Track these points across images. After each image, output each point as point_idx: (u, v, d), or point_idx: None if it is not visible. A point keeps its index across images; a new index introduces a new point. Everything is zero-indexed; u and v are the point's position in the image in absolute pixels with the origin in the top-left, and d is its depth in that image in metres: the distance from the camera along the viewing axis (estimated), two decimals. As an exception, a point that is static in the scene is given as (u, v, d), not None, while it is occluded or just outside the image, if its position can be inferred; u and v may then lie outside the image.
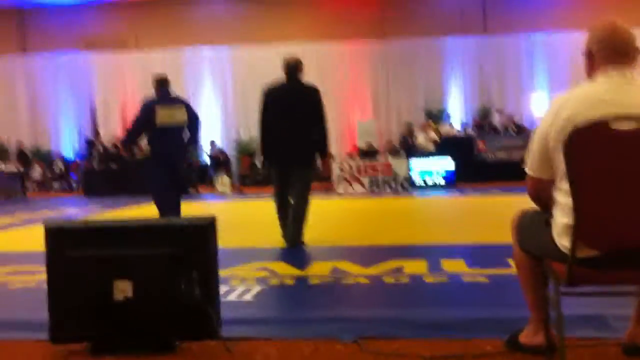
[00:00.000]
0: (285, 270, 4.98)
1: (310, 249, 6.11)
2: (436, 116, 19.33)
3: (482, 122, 19.07)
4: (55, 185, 19.29)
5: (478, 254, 5.55)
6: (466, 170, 15.98)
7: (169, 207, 7.26)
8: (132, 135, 7.67)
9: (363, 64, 20.28)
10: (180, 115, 7.35)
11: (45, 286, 3.02)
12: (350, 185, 15.52)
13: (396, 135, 19.59)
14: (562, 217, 2.37)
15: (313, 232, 6.52)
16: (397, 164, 15.72)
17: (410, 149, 17.54)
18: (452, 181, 15.59)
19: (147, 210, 8.85)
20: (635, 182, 2.23)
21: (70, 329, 2.98)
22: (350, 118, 20.24)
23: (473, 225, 8.05)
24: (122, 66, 20.83)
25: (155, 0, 19.93)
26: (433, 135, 17.38)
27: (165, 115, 7.21)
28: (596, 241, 2.29)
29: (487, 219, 8.58)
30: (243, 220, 9.39)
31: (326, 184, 15.34)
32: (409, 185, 15.38)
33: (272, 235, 6.56)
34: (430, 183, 15.66)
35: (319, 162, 6.54)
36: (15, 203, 14.53)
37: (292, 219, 6.16)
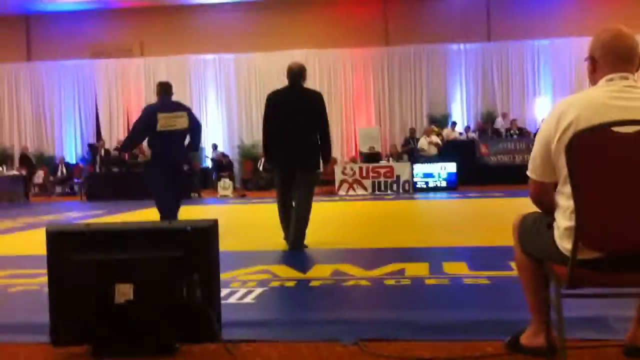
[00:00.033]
0: (287, 273, 4.99)
1: (311, 252, 6.11)
2: (440, 121, 19.35)
3: (485, 126, 19.08)
4: (58, 189, 19.33)
5: (480, 257, 5.54)
6: (468, 174, 15.99)
7: (169, 208, 7.30)
8: (132, 139, 7.71)
9: (367, 71, 20.33)
10: (182, 122, 7.40)
11: (46, 289, 3.03)
12: (353, 188, 15.54)
13: (400, 140, 19.61)
14: (563, 220, 2.38)
15: (315, 234, 6.53)
16: (400, 168, 15.74)
17: (413, 153, 17.56)
18: (454, 184, 15.59)
19: (149, 214, 8.86)
20: (636, 185, 2.23)
21: (71, 331, 2.98)
22: (354, 124, 20.28)
23: (475, 228, 8.05)
24: (127, 73, 20.90)
25: (160, 8, 20.00)
26: (436, 139, 17.40)
27: (166, 122, 7.25)
28: (598, 243, 2.29)
29: (489, 221, 8.58)
30: (245, 223, 9.40)
31: (329, 187, 15.37)
32: (411, 188, 15.39)
33: (274, 238, 6.57)
34: (432, 186, 15.66)
35: (322, 166, 6.57)
36: (17, 207, 14.55)
37: (294, 221, 6.18)
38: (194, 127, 7.63)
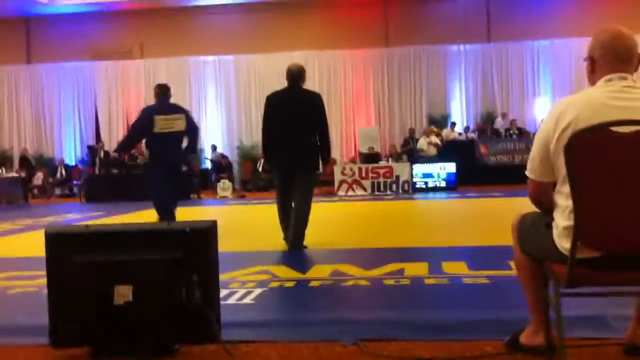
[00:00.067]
0: (286, 273, 4.99)
1: (311, 252, 6.12)
2: (439, 122, 19.36)
3: (484, 126, 19.09)
4: (57, 191, 19.32)
5: (479, 256, 5.55)
6: (468, 174, 16.00)
7: (166, 208, 7.35)
8: (129, 140, 7.74)
9: (367, 71, 20.34)
10: (179, 124, 7.44)
11: (45, 291, 3.03)
12: (352, 189, 15.55)
13: (399, 141, 19.62)
14: (562, 220, 2.38)
15: (314, 235, 6.54)
16: (400, 168, 15.75)
17: (412, 153, 17.57)
18: (454, 184, 15.60)
19: (148, 216, 8.86)
20: (635, 184, 2.24)
21: (70, 333, 2.98)
22: (353, 125, 20.29)
23: (474, 228, 8.06)
24: (126, 75, 20.90)
25: (159, 10, 20.01)
26: (435, 140, 17.41)
27: (163, 124, 7.29)
28: (596, 242, 2.30)
29: (488, 221, 8.59)
30: (244, 224, 9.40)
31: (328, 187, 15.37)
32: (410, 188, 15.40)
33: (273, 239, 6.57)
34: (432, 186, 15.66)
35: (321, 166, 6.58)
36: (16, 209, 14.54)
37: (293, 222, 6.19)
38: (191, 130, 7.66)
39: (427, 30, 19.65)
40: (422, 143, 17.42)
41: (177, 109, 7.67)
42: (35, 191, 19.08)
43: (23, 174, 17.78)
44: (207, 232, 3.05)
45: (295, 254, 6.03)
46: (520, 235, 2.72)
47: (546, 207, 2.54)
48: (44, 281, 3.05)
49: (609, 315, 3.17)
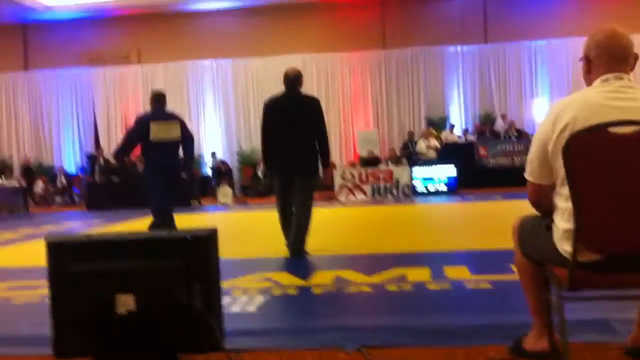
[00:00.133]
0: (288, 281, 4.98)
1: (313, 258, 6.11)
2: (438, 124, 19.36)
3: (483, 128, 19.09)
4: (58, 199, 19.31)
5: (481, 260, 5.55)
6: (467, 177, 15.99)
7: (164, 210, 7.41)
8: (124, 148, 7.79)
9: (365, 74, 20.33)
10: (175, 131, 7.50)
11: (47, 301, 3.02)
12: (352, 193, 15.54)
13: (398, 143, 19.61)
14: (562, 222, 2.38)
15: (316, 241, 6.53)
16: (399, 172, 15.75)
17: (412, 156, 17.57)
18: (454, 187, 15.59)
19: (149, 223, 8.85)
20: (634, 185, 2.24)
21: (73, 343, 2.97)
22: (352, 127, 20.28)
23: (475, 232, 8.05)
24: (124, 80, 20.90)
25: (157, 15, 20.02)
26: (434, 142, 17.40)
27: (159, 131, 7.35)
28: (597, 245, 2.29)
29: (490, 224, 8.57)
30: (245, 230, 9.40)
31: (328, 192, 15.36)
32: (410, 192, 15.40)
33: (275, 245, 6.56)
34: (432, 190, 15.65)
35: (321, 171, 6.56)
36: (17, 218, 14.53)
37: (294, 228, 6.18)
38: (186, 138, 7.72)
39: (424, 31, 19.66)
40: (421, 146, 17.42)
41: (172, 117, 7.72)
42: (37, 199, 19.05)
43: (24, 183, 17.76)
44: (208, 240, 3.04)
45: (297, 260, 6.02)
46: (521, 238, 2.71)
47: (546, 210, 2.54)
48: (46, 291, 3.05)
49: (611, 319, 3.17)
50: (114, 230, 10.36)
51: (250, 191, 18.54)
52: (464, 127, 19.46)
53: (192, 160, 8.41)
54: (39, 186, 19.29)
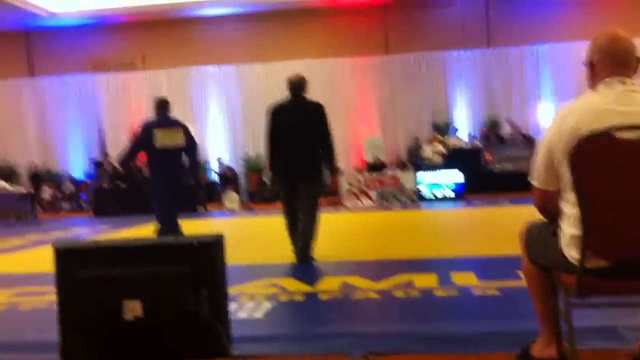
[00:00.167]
0: (295, 287, 4.98)
1: (319, 265, 6.10)
2: (443, 129, 19.34)
3: (489, 133, 19.06)
4: (65, 205, 19.36)
5: (488, 267, 5.52)
6: (474, 182, 15.95)
7: (170, 217, 7.45)
8: (129, 155, 7.84)
9: (368, 80, 20.32)
10: (179, 138, 7.55)
11: (55, 307, 3.03)
12: (359, 199, 15.53)
13: (403, 149, 19.60)
14: (569, 228, 2.37)
15: (322, 247, 6.52)
16: (405, 177, 15.73)
17: (417, 162, 17.55)
18: (461, 193, 15.56)
19: (156, 230, 8.86)
20: (640, 191, 2.23)
21: (80, 349, 2.98)
22: (357, 133, 20.27)
23: (483, 237, 8.03)
24: (129, 86, 20.96)
25: (161, 21, 20.08)
26: (440, 148, 17.39)
27: (164, 138, 7.41)
28: (604, 251, 2.29)
29: (497, 230, 8.55)
30: (252, 236, 9.40)
31: (334, 198, 15.35)
32: (417, 198, 15.37)
33: (281, 251, 6.56)
34: (438, 195, 15.62)
35: (327, 177, 6.56)
36: (25, 224, 14.58)
37: (301, 234, 6.18)
38: (190, 145, 7.76)
39: (427, 36, 19.65)
40: (427, 151, 17.40)
41: (177, 124, 7.77)
42: (45, 205, 19.10)
43: (31, 190, 17.82)
44: (214, 246, 3.05)
45: (304, 266, 6.02)
46: (528, 245, 2.70)
47: (552, 215, 2.53)
48: (53, 297, 3.06)
49: (619, 326, 3.15)
50: (121, 236, 10.39)
51: (256, 197, 18.54)
52: (469, 131, 19.43)
53: (197, 166, 8.44)
54: (47, 192, 19.34)
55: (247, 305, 4.30)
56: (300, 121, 6.24)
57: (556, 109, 16.94)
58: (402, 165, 17.81)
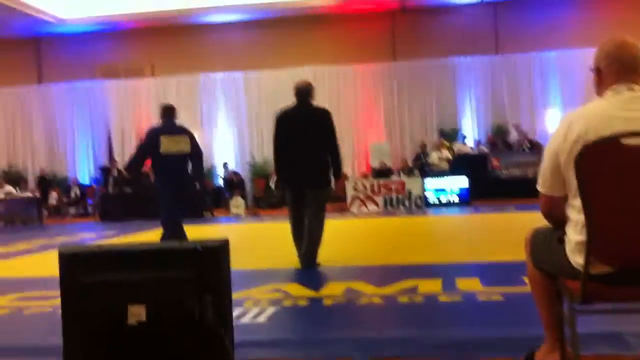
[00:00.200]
0: (299, 292, 4.98)
1: (324, 270, 6.10)
2: (450, 135, 19.32)
3: (496, 139, 19.03)
4: (72, 210, 19.42)
5: (493, 272, 5.51)
6: (480, 188, 15.91)
7: (174, 222, 7.47)
8: (135, 160, 7.87)
9: (376, 86, 20.34)
10: (184, 145, 7.58)
11: (59, 311, 3.03)
12: (365, 204, 15.52)
13: (410, 155, 19.59)
14: (575, 234, 2.36)
15: (327, 252, 6.52)
16: (412, 183, 15.72)
17: (424, 168, 17.53)
18: (467, 199, 15.53)
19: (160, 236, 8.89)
20: (647, 197, 2.22)
21: (84, 354, 2.98)
22: (364, 139, 20.29)
23: (488, 243, 8.01)
24: (138, 93, 21.03)
25: (170, 28, 20.16)
26: (446, 153, 17.36)
27: (169, 144, 7.43)
28: (609, 257, 2.28)
29: (502, 236, 8.53)
30: (257, 241, 9.41)
31: (340, 203, 15.35)
32: (423, 203, 15.35)
33: (286, 257, 6.56)
34: (444, 201, 15.60)
35: (333, 183, 6.57)
36: (31, 229, 14.63)
37: (306, 240, 6.18)
38: (195, 153, 7.79)
39: (434, 43, 19.65)
40: (434, 157, 17.39)
41: (182, 130, 7.80)
42: (52, 210, 19.17)
43: (38, 194, 17.89)
44: (219, 250, 3.04)
45: (309, 271, 6.02)
46: (533, 251, 2.70)
47: (558, 222, 2.52)
48: (58, 301, 3.06)
49: (624, 332, 3.14)
50: (127, 241, 10.41)
51: (262, 202, 18.56)
52: (476, 138, 19.41)
53: (201, 173, 8.48)
54: (53, 197, 19.42)
55: (251, 310, 4.30)
56: (307, 127, 6.26)
57: (564, 115, 16.89)
58: (408, 171, 17.79)
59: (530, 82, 19.75)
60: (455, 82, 20.01)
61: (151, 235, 10.77)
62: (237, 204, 16.81)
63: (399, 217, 13.46)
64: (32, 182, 20.52)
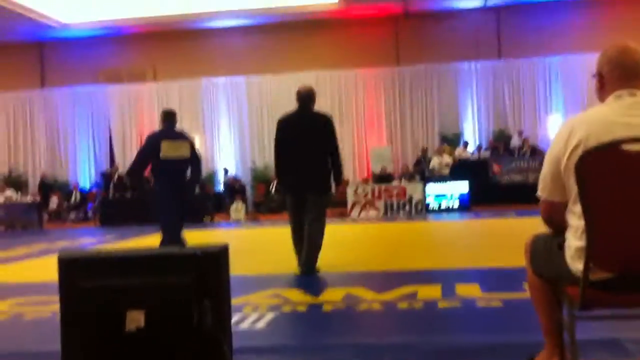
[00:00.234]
0: (299, 298, 4.97)
1: (324, 275, 6.09)
2: (452, 141, 19.32)
3: (497, 144, 19.01)
4: (72, 215, 19.42)
5: (493, 278, 5.51)
6: (481, 193, 15.91)
7: (173, 227, 7.47)
8: (137, 166, 7.88)
9: (378, 90, 20.36)
10: (184, 150, 7.61)
11: (58, 317, 3.03)
12: (365, 210, 15.52)
13: (411, 160, 19.59)
14: (574, 240, 2.35)
15: (327, 257, 6.51)
16: (412, 188, 15.71)
17: (425, 173, 17.53)
18: (467, 204, 15.52)
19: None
20: (647, 204, 2.21)
21: (82, 359, 2.98)
22: (365, 144, 20.29)
23: (488, 249, 8.00)
24: (140, 98, 21.06)
25: (172, 32, 20.20)
26: (447, 159, 17.36)
27: (169, 149, 7.45)
28: (608, 263, 2.27)
29: (503, 242, 8.52)
30: (257, 247, 9.40)
31: (341, 209, 15.34)
32: (423, 209, 15.34)
33: (286, 262, 6.55)
34: (445, 206, 15.59)
35: (333, 188, 6.58)
36: (31, 234, 14.63)
37: (306, 245, 6.17)
38: (193, 159, 7.81)
39: (437, 48, 19.67)
40: (435, 162, 17.39)
41: (183, 136, 7.84)
42: (52, 215, 19.17)
43: (39, 199, 17.89)
44: (219, 256, 3.04)
45: (308, 277, 6.01)
46: (533, 257, 2.69)
47: (558, 227, 2.51)
48: (58, 307, 3.06)
49: (623, 338, 3.14)
50: (126, 246, 10.40)
51: (262, 207, 18.57)
52: (477, 143, 19.40)
53: (198, 179, 8.50)
54: (54, 202, 19.42)
55: (250, 315, 4.29)
56: (308, 133, 6.27)
57: (565, 121, 16.87)
58: (409, 177, 17.79)
59: (533, 87, 19.75)
60: (458, 87, 20.02)
61: (151, 240, 10.77)
62: (237, 209, 16.81)
63: (400, 222, 13.45)
64: (33, 187, 20.52)
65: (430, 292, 4.92)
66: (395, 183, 16.72)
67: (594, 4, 19.09)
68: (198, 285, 2.92)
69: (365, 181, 18.06)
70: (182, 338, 2.92)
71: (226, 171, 19.80)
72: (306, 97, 6.35)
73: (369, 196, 15.65)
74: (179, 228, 7.72)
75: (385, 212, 15.42)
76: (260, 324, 4.07)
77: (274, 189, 17.73)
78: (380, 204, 15.56)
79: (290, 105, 6.66)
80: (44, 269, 7.56)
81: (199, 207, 15.32)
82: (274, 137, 6.46)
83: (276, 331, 3.97)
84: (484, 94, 19.92)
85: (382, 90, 20.26)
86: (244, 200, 17.98)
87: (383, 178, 17.38)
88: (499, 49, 19.89)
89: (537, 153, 17.63)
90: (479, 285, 5.07)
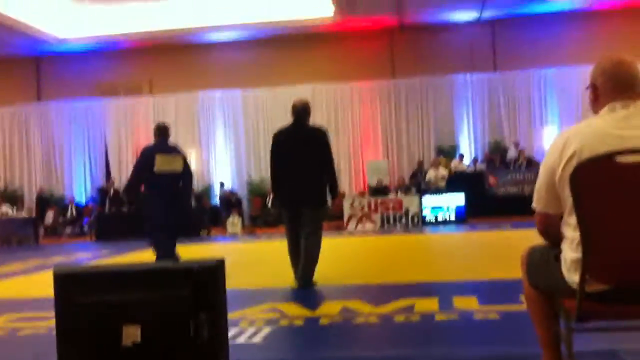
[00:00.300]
0: (295, 311, 4.95)
1: (321, 289, 6.08)
2: (448, 153, 19.35)
3: (493, 156, 19.05)
4: (68, 230, 19.36)
5: (490, 291, 5.51)
6: (477, 205, 15.93)
7: (163, 246, 7.46)
8: (135, 181, 7.89)
9: (374, 103, 20.40)
10: (178, 164, 7.65)
11: (54, 332, 3.02)
12: (362, 223, 15.51)
13: (407, 172, 19.61)
14: (570, 252, 2.36)
15: (324, 271, 6.50)
16: (409, 201, 15.72)
17: (421, 186, 17.55)
18: (463, 216, 15.53)
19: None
20: (641, 215, 2.22)
21: (78, 375, 2.96)
22: (361, 157, 20.31)
23: (485, 261, 8.00)
24: (136, 111, 21.06)
25: (168, 46, 20.25)
26: (443, 171, 17.39)
27: (163, 163, 7.48)
28: (604, 275, 2.27)
29: (499, 254, 8.53)
30: (253, 261, 9.38)
31: (337, 222, 15.34)
32: (420, 221, 15.35)
33: (283, 276, 6.54)
34: (441, 219, 15.60)
35: (329, 202, 6.57)
36: (26, 249, 14.58)
37: (302, 259, 6.16)
38: (186, 173, 7.83)
39: (433, 60, 19.75)
40: (431, 175, 17.41)
41: (176, 150, 7.88)
42: (48, 230, 19.10)
43: (35, 214, 17.84)
44: (215, 270, 3.03)
45: (305, 290, 6.00)
46: (529, 269, 2.69)
47: (554, 239, 2.51)
48: (54, 322, 3.05)
49: (620, 350, 3.13)
50: (122, 261, 10.38)
51: (259, 221, 18.55)
52: (473, 155, 19.44)
53: (190, 192, 8.50)
54: (50, 217, 19.36)
55: (247, 330, 4.27)
56: (304, 146, 6.28)
57: (559, 132, 16.91)
58: (405, 189, 17.81)
59: (528, 99, 19.81)
60: (453, 100, 20.08)
61: (147, 255, 10.73)
62: (234, 222, 16.79)
63: (396, 235, 13.44)
64: (29, 201, 20.46)
65: (428, 305, 4.91)
66: (391, 196, 16.73)
67: (589, 16, 19.21)
68: (194, 300, 2.92)
69: (362, 194, 18.06)
70: (178, 352, 2.91)
71: (222, 185, 19.78)
72: (302, 111, 6.36)
73: (366, 209, 15.65)
74: (172, 244, 7.70)
75: (382, 225, 15.42)
76: (257, 338, 4.06)
77: (270, 203, 17.71)
78: (376, 216, 15.56)
79: (286, 118, 6.67)
80: (39, 284, 7.53)
81: (195, 221, 15.30)
82: (270, 150, 6.47)
83: (273, 345, 3.96)
84: (480, 107, 19.98)
85: (377, 103, 20.30)
86: (241, 214, 17.96)
87: (379, 191, 17.40)
88: (494, 61, 19.98)
89: (532, 165, 17.65)
90: (476, 298, 5.06)
